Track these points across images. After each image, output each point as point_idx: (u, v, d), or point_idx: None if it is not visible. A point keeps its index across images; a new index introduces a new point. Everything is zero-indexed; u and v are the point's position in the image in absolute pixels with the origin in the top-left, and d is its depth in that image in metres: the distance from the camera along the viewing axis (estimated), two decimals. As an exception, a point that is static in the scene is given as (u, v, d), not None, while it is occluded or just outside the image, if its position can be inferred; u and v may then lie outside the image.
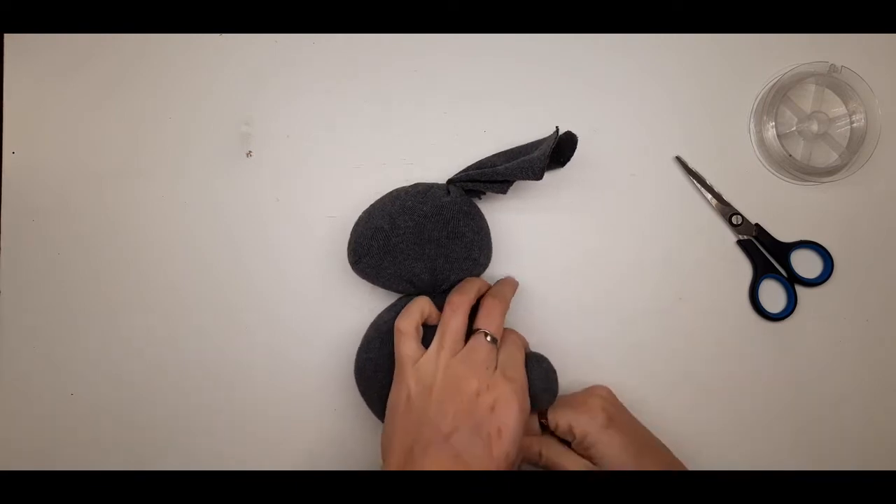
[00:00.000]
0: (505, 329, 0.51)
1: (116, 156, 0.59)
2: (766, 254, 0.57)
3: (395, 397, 0.48)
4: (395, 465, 0.46)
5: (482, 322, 0.49)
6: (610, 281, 0.57)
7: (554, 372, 0.51)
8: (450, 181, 0.54)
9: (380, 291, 0.56)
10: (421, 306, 0.50)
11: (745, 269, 0.58)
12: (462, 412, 0.45)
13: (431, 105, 0.58)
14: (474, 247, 0.52)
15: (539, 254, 0.57)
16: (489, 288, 0.52)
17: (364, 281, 0.55)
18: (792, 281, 0.57)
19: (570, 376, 0.56)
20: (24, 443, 0.58)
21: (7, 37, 0.59)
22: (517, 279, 0.55)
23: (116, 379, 0.58)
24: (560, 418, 0.50)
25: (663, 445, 0.53)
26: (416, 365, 0.47)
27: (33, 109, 0.59)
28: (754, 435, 0.57)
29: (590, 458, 0.50)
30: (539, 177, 0.50)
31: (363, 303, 0.56)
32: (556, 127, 0.51)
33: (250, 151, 0.58)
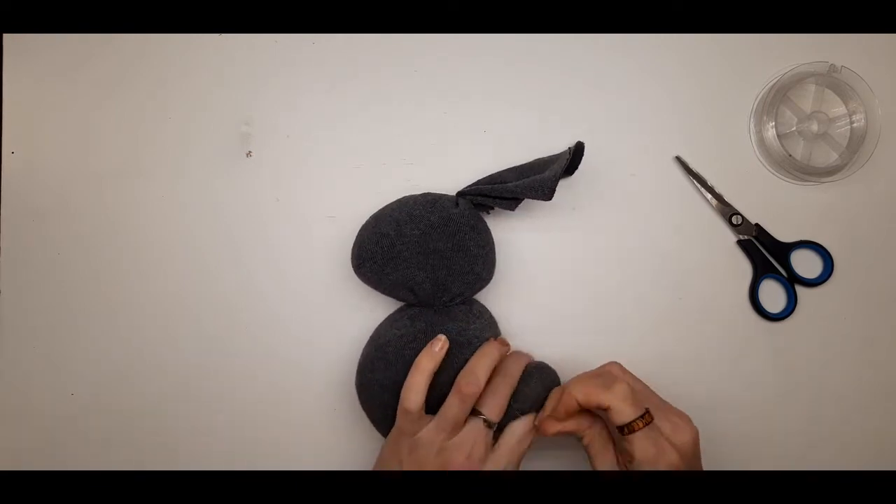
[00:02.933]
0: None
1: (116, 156, 0.59)
2: (766, 254, 0.57)
3: (389, 459, 0.49)
4: None
5: (484, 405, 0.49)
6: (610, 281, 0.57)
7: (555, 384, 0.51)
8: (459, 193, 0.53)
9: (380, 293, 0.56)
10: (427, 377, 0.49)
11: (745, 269, 0.58)
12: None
13: (431, 105, 0.58)
14: (478, 261, 0.51)
15: (539, 253, 0.57)
16: (503, 355, 0.51)
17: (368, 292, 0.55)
18: (792, 281, 0.57)
19: (568, 371, 0.56)
20: (24, 443, 0.58)
21: (7, 37, 0.59)
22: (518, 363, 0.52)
23: (116, 379, 0.58)
24: (639, 446, 0.46)
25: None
26: (413, 438, 0.48)
27: (33, 109, 0.59)
28: (754, 435, 0.57)
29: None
30: (549, 197, 0.50)
31: (363, 303, 0.56)
32: (569, 148, 0.51)
33: (250, 151, 0.58)
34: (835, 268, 0.57)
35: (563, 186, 0.58)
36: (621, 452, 0.49)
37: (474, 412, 0.49)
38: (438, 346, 0.50)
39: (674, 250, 0.58)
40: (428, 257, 0.50)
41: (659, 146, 0.58)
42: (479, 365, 0.49)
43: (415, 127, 0.58)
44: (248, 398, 0.58)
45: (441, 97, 0.58)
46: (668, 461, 0.46)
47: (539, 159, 0.54)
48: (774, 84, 0.57)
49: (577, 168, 0.54)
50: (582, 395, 0.48)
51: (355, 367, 0.53)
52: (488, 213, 0.55)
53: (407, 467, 0.47)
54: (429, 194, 0.53)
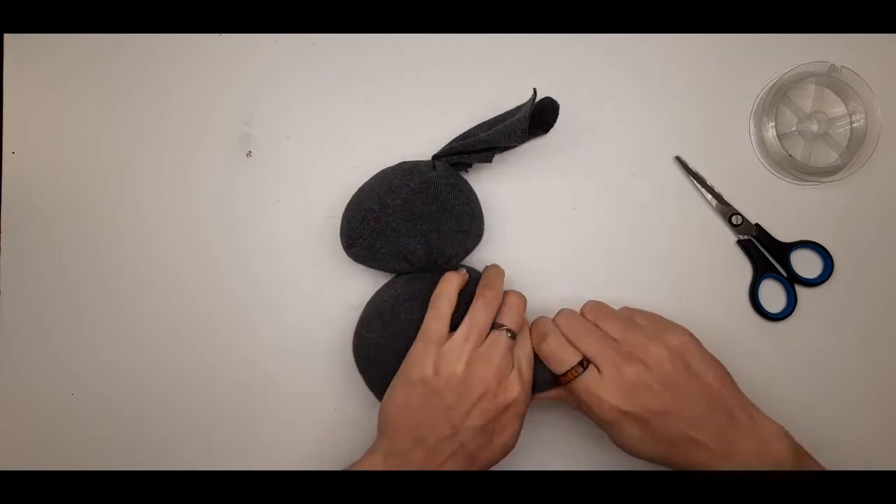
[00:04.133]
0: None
1: (116, 156, 0.59)
2: (766, 254, 0.57)
3: (410, 372, 0.48)
4: (400, 447, 0.48)
5: (505, 318, 0.50)
6: (610, 281, 0.57)
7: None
8: (434, 157, 0.54)
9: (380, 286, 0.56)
10: (457, 286, 0.50)
11: (745, 269, 0.58)
12: (475, 410, 0.47)
13: (432, 105, 0.58)
14: (465, 218, 0.52)
15: (538, 254, 0.57)
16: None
17: (364, 280, 0.55)
18: (792, 281, 0.57)
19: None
20: (25, 443, 0.58)
21: (7, 37, 0.59)
22: (524, 294, 0.53)
23: (116, 379, 0.58)
24: (582, 390, 0.49)
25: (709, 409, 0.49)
26: (441, 349, 0.48)
27: (33, 109, 0.59)
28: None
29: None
30: (522, 139, 0.50)
31: (363, 302, 0.56)
32: (534, 89, 0.51)
33: (250, 151, 0.58)
34: (835, 268, 0.57)
35: (563, 186, 0.58)
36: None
37: (499, 326, 0.50)
38: (462, 272, 0.52)
39: (674, 250, 0.58)
40: (416, 224, 0.50)
41: (659, 146, 0.58)
42: (495, 277, 0.52)
43: (415, 127, 0.58)
44: (248, 397, 0.58)
45: (441, 97, 0.58)
46: (604, 408, 0.47)
47: (505, 112, 0.54)
48: (774, 84, 0.57)
49: (552, 125, 0.54)
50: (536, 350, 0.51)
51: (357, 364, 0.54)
52: (466, 171, 0.55)
53: (435, 383, 0.47)
54: (405, 162, 0.53)
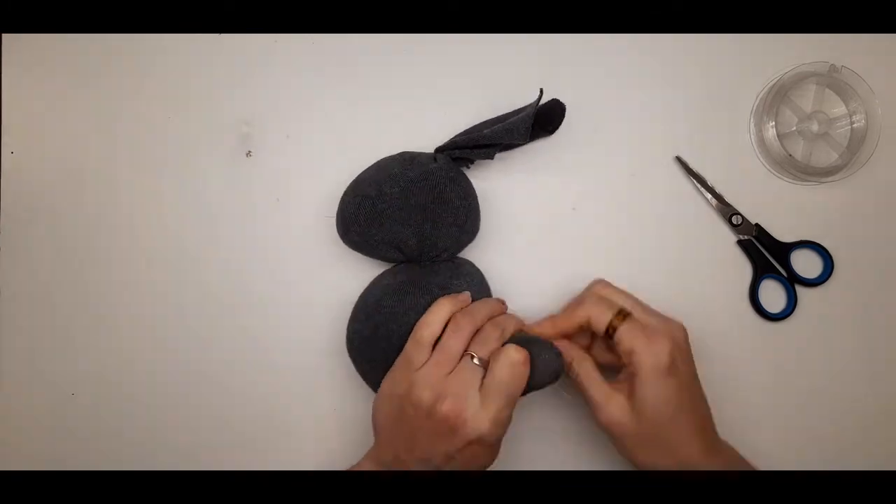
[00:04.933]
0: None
1: (116, 156, 0.59)
2: (766, 254, 0.57)
3: (391, 388, 0.49)
4: (383, 459, 0.49)
5: (474, 346, 0.48)
6: (610, 281, 0.57)
7: (555, 364, 0.50)
8: (437, 150, 0.54)
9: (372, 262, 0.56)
10: (444, 316, 0.49)
11: (745, 269, 0.58)
12: (441, 437, 0.46)
13: (432, 105, 0.58)
14: (461, 212, 0.52)
15: (538, 254, 0.57)
16: (500, 311, 0.52)
17: (363, 280, 0.55)
18: (792, 281, 0.57)
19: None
20: (25, 443, 0.58)
21: (7, 37, 0.59)
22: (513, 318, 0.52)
23: (116, 379, 0.58)
24: (626, 338, 0.48)
25: (706, 409, 0.51)
26: (414, 374, 0.48)
27: (33, 109, 0.59)
28: (754, 435, 0.57)
29: (627, 391, 0.48)
30: (525, 138, 0.50)
31: (363, 303, 0.56)
32: (540, 89, 0.51)
33: (250, 151, 0.58)
34: (835, 268, 0.57)
35: (563, 186, 0.58)
36: (617, 358, 0.50)
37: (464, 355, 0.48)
38: (462, 297, 0.51)
39: (674, 250, 0.58)
40: (411, 213, 0.50)
41: (659, 146, 0.58)
42: (479, 304, 0.51)
43: (415, 127, 0.58)
44: (247, 398, 0.58)
45: (441, 97, 0.58)
46: (660, 345, 0.47)
47: (512, 111, 0.54)
48: (774, 84, 0.57)
49: (558, 127, 0.54)
50: (561, 322, 0.51)
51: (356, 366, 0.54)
52: (468, 167, 0.55)
53: (408, 404, 0.47)
54: (406, 153, 0.54)
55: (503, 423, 0.47)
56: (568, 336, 0.52)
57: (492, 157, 0.53)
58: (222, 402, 0.58)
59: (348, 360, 0.54)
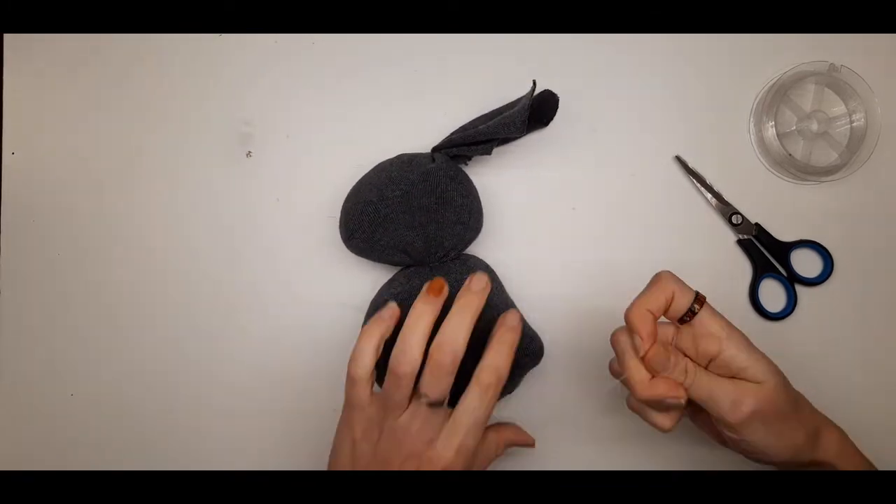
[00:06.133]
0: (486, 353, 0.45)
1: (116, 156, 0.59)
2: (766, 253, 0.57)
3: (340, 440, 0.47)
4: None
5: (424, 385, 0.44)
6: (610, 281, 0.57)
7: (533, 344, 0.50)
8: (434, 149, 0.54)
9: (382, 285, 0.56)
10: (374, 345, 0.45)
11: (745, 269, 0.58)
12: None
13: (432, 105, 0.58)
14: (464, 210, 0.52)
15: (538, 254, 0.57)
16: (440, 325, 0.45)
17: (364, 281, 0.55)
18: (792, 280, 0.57)
19: (566, 373, 0.56)
20: (25, 443, 0.58)
21: (7, 37, 0.59)
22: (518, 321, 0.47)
23: (116, 379, 0.58)
24: (709, 322, 0.44)
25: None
26: (363, 413, 0.45)
27: (33, 109, 0.59)
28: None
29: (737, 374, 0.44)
30: (521, 131, 0.50)
31: (364, 303, 0.56)
32: (533, 80, 0.51)
33: (250, 151, 0.58)
34: (835, 268, 0.57)
35: (563, 186, 0.58)
36: (683, 351, 0.45)
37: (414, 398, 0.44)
38: (388, 314, 0.46)
39: (674, 250, 0.58)
40: (414, 215, 0.50)
41: (659, 146, 0.58)
42: (407, 345, 0.44)
43: (415, 127, 0.58)
44: (247, 398, 0.58)
45: (441, 97, 0.58)
46: (732, 327, 0.44)
47: (505, 104, 0.54)
48: (774, 83, 0.57)
49: (552, 118, 0.54)
50: (642, 306, 0.44)
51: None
52: (466, 164, 0.55)
53: (360, 451, 0.45)
54: (403, 155, 0.54)
55: (469, 453, 0.44)
56: (656, 316, 0.45)
57: (489, 153, 0.53)
58: (222, 402, 0.58)
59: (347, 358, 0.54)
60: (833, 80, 0.57)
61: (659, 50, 0.58)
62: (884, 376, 0.57)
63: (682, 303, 0.44)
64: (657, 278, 0.46)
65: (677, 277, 0.45)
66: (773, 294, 0.58)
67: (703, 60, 0.58)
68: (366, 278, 0.57)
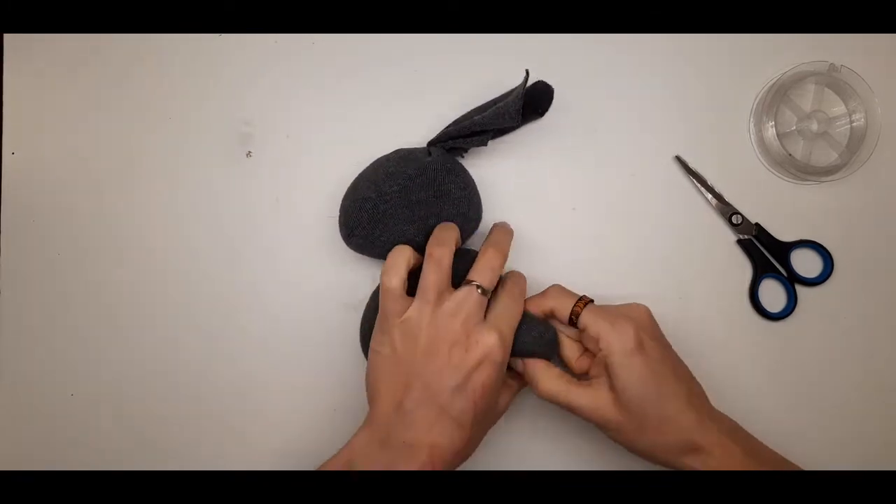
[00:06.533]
0: (506, 274, 0.51)
1: (117, 156, 0.59)
2: (766, 253, 0.57)
3: (378, 347, 0.48)
4: (383, 416, 0.47)
5: (475, 274, 0.48)
6: (610, 280, 0.57)
7: (548, 333, 0.51)
8: (430, 143, 0.54)
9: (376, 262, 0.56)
10: (406, 257, 0.49)
11: (745, 269, 0.58)
12: (447, 368, 0.46)
13: (431, 105, 0.58)
14: (463, 202, 0.52)
15: (538, 254, 0.57)
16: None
17: (364, 281, 0.55)
18: (792, 280, 0.57)
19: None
20: (25, 443, 0.58)
21: (7, 37, 0.59)
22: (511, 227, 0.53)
23: (116, 379, 0.58)
24: (591, 325, 0.49)
25: (692, 381, 0.50)
26: (401, 318, 0.47)
27: (33, 109, 0.59)
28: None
29: (607, 384, 0.48)
30: (516, 120, 0.50)
31: (363, 303, 0.56)
32: (526, 70, 0.51)
33: (250, 151, 0.58)
34: (835, 268, 0.57)
35: (563, 186, 0.58)
36: (586, 347, 0.51)
37: (467, 282, 0.48)
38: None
39: (674, 250, 0.58)
40: (413, 210, 0.50)
41: (659, 146, 0.58)
42: (443, 231, 0.50)
43: (415, 127, 0.58)
44: (247, 398, 0.58)
45: (441, 97, 0.58)
46: (624, 327, 0.48)
47: (499, 96, 0.54)
48: (774, 83, 0.57)
49: (547, 109, 0.54)
50: (529, 307, 0.51)
51: (357, 366, 0.54)
52: (462, 157, 0.55)
53: (402, 349, 0.47)
54: (400, 150, 0.54)
55: (506, 344, 0.47)
56: None
57: (485, 144, 0.53)
58: (222, 402, 0.58)
59: (348, 359, 0.54)
60: (833, 80, 0.57)
61: (659, 50, 0.58)
62: (884, 376, 0.57)
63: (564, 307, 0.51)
64: (547, 290, 0.53)
65: (564, 289, 0.52)
66: (773, 294, 0.58)
67: (703, 60, 0.58)
68: (366, 279, 0.57)
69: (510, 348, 0.48)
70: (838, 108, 0.58)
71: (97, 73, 0.59)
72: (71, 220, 0.58)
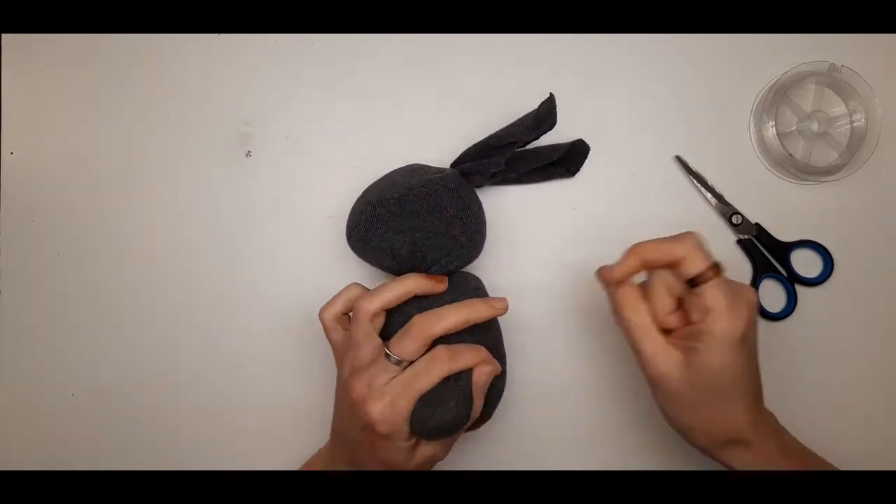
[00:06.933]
0: (445, 347, 0.46)
1: (116, 156, 0.59)
2: (766, 253, 0.57)
3: (337, 378, 0.50)
4: (333, 433, 0.52)
5: (393, 341, 0.46)
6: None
7: (462, 408, 0.46)
8: (452, 164, 0.54)
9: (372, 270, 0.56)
10: (347, 296, 0.49)
11: (745, 269, 0.58)
12: (349, 416, 0.47)
13: (432, 105, 0.58)
14: (455, 223, 0.50)
15: (538, 253, 0.57)
16: (425, 291, 0.49)
17: (364, 281, 0.55)
18: (792, 280, 0.57)
19: (567, 373, 0.56)
20: (25, 443, 0.58)
21: (7, 37, 0.59)
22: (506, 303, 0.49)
23: (116, 379, 0.58)
24: (712, 294, 0.44)
25: (759, 379, 0.47)
26: (336, 353, 0.50)
27: (33, 109, 0.59)
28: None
29: (686, 349, 0.44)
30: (529, 132, 0.51)
31: (363, 303, 0.56)
32: (550, 93, 0.51)
33: (250, 151, 0.58)
34: (835, 268, 0.57)
35: (563, 185, 0.58)
36: (688, 313, 0.45)
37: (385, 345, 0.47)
38: (377, 287, 0.49)
39: (674, 250, 0.58)
40: (405, 220, 0.50)
41: (659, 146, 0.58)
42: (387, 287, 0.48)
43: (415, 127, 0.58)
44: (247, 398, 0.58)
45: (441, 97, 0.58)
46: (740, 312, 0.43)
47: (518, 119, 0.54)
48: (774, 83, 0.57)
49: (580, 167, 0.55)
50: (650, 249, 0.46)
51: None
52: (483, 184, 0.54)
53: (341, 379, 0.49)
54: (416, 164, 0.54)
55: (390, 420, 0.45)
56: (647, 268, 0.47)
57: (502, 166, 0.52)
58: (222, 402, 0.58)
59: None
60: (833, 80, 0.57)
61: (659, 50, 0.58)
62: (884, 376, 0.57)
63: (693, 266, 0.45)
64: (681, 235, 0.47)
65: (701, 241, 0.46)
66: (773, 294, 0.58)
67: (703, 60, 0.58)
68: (365, 279, 0.57)
69: (401, 421, 0.45)
70: (838, 108, 0.58)
71: (97, 73, 0.59)
72: (71, 220, 0.58)
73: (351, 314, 0.49)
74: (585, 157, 0.54)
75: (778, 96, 0.56)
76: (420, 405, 0.45)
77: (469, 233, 0.51)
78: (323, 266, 0.57)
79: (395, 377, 0.45)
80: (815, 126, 0.58)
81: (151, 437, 0.58)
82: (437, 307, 0.47)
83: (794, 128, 0.58)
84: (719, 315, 0.43)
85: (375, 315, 0.47)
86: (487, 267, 0.55)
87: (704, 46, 0.58)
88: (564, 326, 0.57)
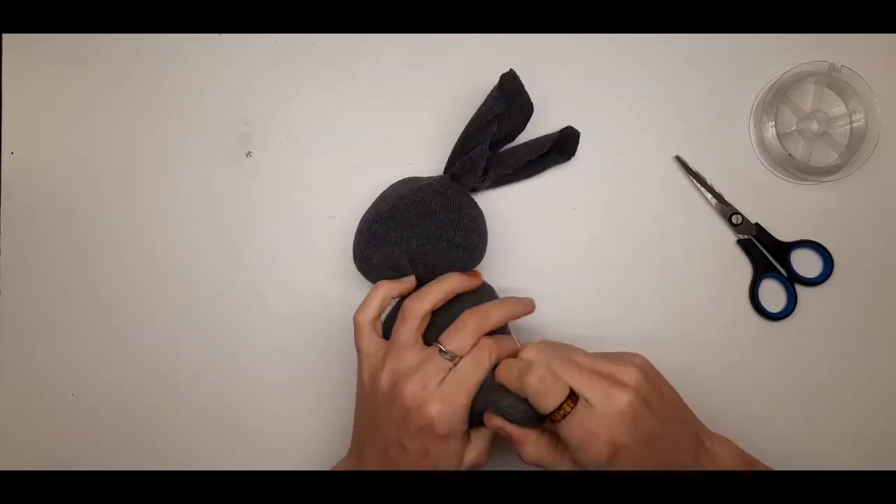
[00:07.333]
0: (489, 337, 0.47)
1: (116, 156, 0.59)
2: (766, 253, 0.57)
3: (358, 377, 0.49)
4: (357, 445, 0.50)
5: (445, 337, 0.46)
6: (610, 281, 0.57)
7: (521, 405, 0.45)
8: (444, 171, 0.54)
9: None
10: (381, 295, 0.49)
11: (745, 269, 0.58)
12: (394, 423, 0.45)
13: (431, 105, 0.58)
14: (447, 225, 0.49)
15: (538, 255, 0.57)
16: (468, 287, 0.49)
17: (364, 282, 0.55)
18: (792, 280, 0.57)
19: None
20: (25, 443, 0.58)
21: (7, 37, 0.59)
22: (532, 300, 0.50)
23: (116, 379, 0.58)
24: (572, 432, 0.43)
25: (689, 422, 0.47)
26: (370, 360, 0.48)
27: (33, 109, 0.59)
28: (754, 435, 0.57)
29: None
30: (499, 100, 0.50)
31: (363, 303, 0.56)
32: (511, 69, 0.52)
33: (250, 151, 0.58)
34: (835, 268, 0.57)
35: (563, 185, 0.58)
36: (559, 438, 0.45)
37: (433, 344, 0.47)
38: (406, 280, 0.50)
39: (674, 250, 0.58)
40: (398, 229, 0.49)
41: (659, 146, 0.58)
42: (431, 286, 0.48)
43: (415, 127, 0.58)
44: (246, 399, 0.58)
45: (441, 97, 0.58)
46: (598, 445, 0.42)
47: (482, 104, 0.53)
48: (774, 83, 0.57)
49: (573, 153, 0.56)
50: (503, 368, 0.46)
51: (356, 366, 0.53)
52: (478, 189, 0.55)
53: (367, 394, 0.47)
54: (410, 177, 0.54)
55: (451, 418, 0.44)
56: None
57: (488, 154, 0.51)
58: (222, 402, 0.58)
59: (349, 359, 0.54)
60: (833, 80, 0.57)
61: (659, 50, 0.58)
62: (884, 376, 0.57)
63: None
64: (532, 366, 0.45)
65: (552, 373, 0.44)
66: (773, 294, 0.58)
67: (703, 60, 0.58)
68: (365, 279, 0.57)
69: (460, 418, 0.45)
70: (838, 108, 0.58)
71: (97, 73, 0.59)
72: (71, 220, 0.58)
73: (382, 317, 0.49)
74: (577, 141, 0.54)
75: (778, 96, 0.56)
76: (480, 396, 0.46)
77: (464, 233, 0.50)
78: (323, 266, 0.57)
79: (445, 376, 0.45)
80: (814, 126, 0.58)
81: (151, 437, 0.58)
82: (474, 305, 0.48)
83: (794, 128, 0.58)
84: (575, 450, 0.43)
85: (426, 316, 0.47)
86: (485, 269, 0.55)
87: (704, 46, 0.58)
88: (562, 325, 0.57)
